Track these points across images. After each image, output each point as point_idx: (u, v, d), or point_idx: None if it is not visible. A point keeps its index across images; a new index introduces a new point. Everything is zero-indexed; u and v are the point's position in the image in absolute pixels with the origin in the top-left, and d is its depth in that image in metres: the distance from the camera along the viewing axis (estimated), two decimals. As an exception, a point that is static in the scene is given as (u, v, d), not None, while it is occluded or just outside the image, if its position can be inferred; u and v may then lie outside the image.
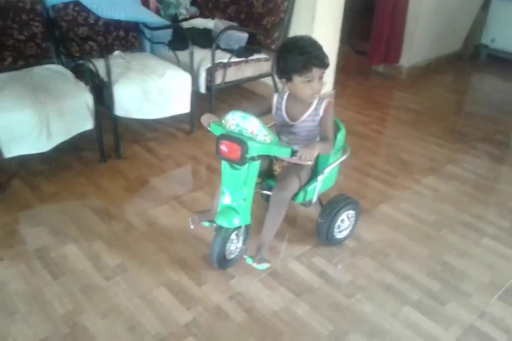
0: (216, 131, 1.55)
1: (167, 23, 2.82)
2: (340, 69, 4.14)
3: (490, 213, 2.24)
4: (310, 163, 1.74)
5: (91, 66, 2.27)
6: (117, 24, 2.68)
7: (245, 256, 1.73)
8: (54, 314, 1.57)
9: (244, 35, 2.77)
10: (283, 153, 1.53)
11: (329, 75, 3.29)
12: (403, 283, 1.78)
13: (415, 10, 3.75)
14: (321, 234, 1.86)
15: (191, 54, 2.51)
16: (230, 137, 1.49)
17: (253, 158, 1.51)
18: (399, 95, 3.77)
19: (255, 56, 2.89)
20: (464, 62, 4.52)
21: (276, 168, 1.82)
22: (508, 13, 4.28)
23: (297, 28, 2.97)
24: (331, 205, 1.82)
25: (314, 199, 1.77)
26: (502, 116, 3.39)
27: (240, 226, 1.70)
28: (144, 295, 1.66)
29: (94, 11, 2.45)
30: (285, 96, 1.72)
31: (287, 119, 1.71)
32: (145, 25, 2.78)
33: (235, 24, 2.95)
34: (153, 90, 2.39)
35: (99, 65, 2.26)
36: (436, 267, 1.87)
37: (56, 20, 2.48)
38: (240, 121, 1.49)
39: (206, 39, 2.76)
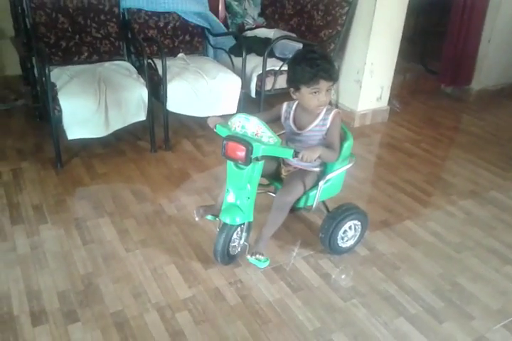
0: (222, 132, 1.66)
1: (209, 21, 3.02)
2: (406, 87, 4.13)
3: (522, 243, 2.13)
4: (316, 169, 1.82)
5: (152, 65, 2.53)
6: (185, 29, 2.95)
7: (247, 256, 1.78)
8: (76, 273, 1.79)
9: (299, 46, 2.89)
10: (286, 153, 1.60)
11: (385, 91, 3.30)
12: (405, 296, 1.77)
13: (488, 32, 3.64)
14: (324, 242, 1.89)
15: (244, 60, 2.69)
16: (236, 138, 1.57)
17: (257, 159, 1.60)
18: (461, 117, 3.66)
19: (309, 66, 3.00)
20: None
21: (283, 172, 1.88)
22: None
23: (354, 41, 3.05)
24: (334, 215, 1.85)
25: (314, 205, 1.81)
26: None
27: (243, 224, 1.78)
28: (155, 269, 1.83)
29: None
30: (294, 106, 1.79)
31: (294, 128, 1.78)
32: (209, 31, 3.01)
33: (293, 35, 3.09)
34: (204, 90, 2.60)
35: (160, 64, 2.51)
36: (445, 286, 1.84)
37: (130, 22, 2.80)
38: (245, 123, 1.59)
39: (264, 47, 2.90)
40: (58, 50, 2.63)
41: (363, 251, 2.01)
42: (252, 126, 1.59)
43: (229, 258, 1.84)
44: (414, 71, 4.55)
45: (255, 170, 1.64)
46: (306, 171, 1.81)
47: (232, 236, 1.77)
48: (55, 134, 2.39)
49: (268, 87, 2.84)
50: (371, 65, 3.06)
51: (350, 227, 1.91)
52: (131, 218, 2.13)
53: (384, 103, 3.35)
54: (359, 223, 1.93)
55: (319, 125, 1.74)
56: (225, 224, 1.74)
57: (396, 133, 3.25)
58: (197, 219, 1.92)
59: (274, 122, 1.79)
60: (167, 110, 2.59)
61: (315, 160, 1.62)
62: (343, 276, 1.87)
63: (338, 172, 1.82)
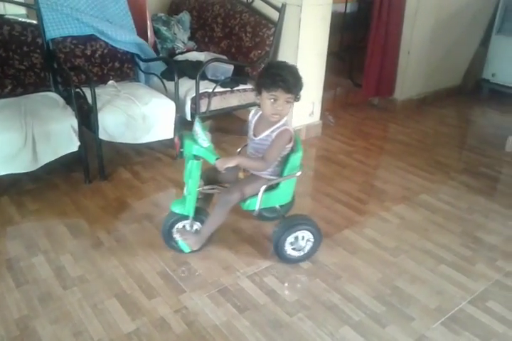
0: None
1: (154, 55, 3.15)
2: (337, 101, 4.31)
3: (453, 242, 2.26)
4: (268, 176, 1.94)
5: (81, 94, 2.49)
6: (113, 56, 2.93)
7: (177, 236, 1.99)
8: (9, 317, 1.69)
9: (230, 67, 2.96)
10: (209, 158, 1.76)
11: (316, 107, 3.42)
12: (348, 304, 1.82)
13: (407, 44, 3.89)
14: (276, 237, 1.96)
15: (177, 83, 2.71)
16: (179, 135, 1.90)
17: (197, 158, 1.78)
18: (389, 127, 3.85)
19: (241, 86, 3.07)
20: (464, 97, 4.56)
21: (241, 176, 1.98)
22: (507, 49, 4.34)
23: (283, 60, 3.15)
24: (287, 220, 1.99)
25: (256, 208, 1.91)
26: (490, 149, 3.40)
27: (187, 218, 1.96)
28: (95, 305, 1.76)
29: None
30: (259, 113, 1.91)
31: (251, 133, 1.92)
32: (139, 57, 3.02)
33: (223, 57, 3.16)
34: (137, 116, 2.58)
35: (88, 92, 2.47)
36: (385, 291, 1.91)
37: (55, 52, 2.75)
38: (195, 127, 1.81)
39: (196, 70, 2.94)
40: (-22, 85, 2.53)
41: (305, 264, 2.05)
42: (196, 128, 1.81)
43: (173, 242, 2.04)
44: (344, 85, 4.76)
45: (193, 167, 1.80)
46: (257, 177, 1.92)
47: (173, 222, 1.99)
48: (-20, 173, 2.28)
49: (203, 109, 2.87)
50: (300, 83, 3.17)
51: (303, 237, 1.98)
52: (67, 254, 2.05)
53: (316, 118, 3.47)
54: (312, 239, 2.00)
55: (267, 135, 1.85)
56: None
57: (330, 146, 3.37)
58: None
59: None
60: (100, 139, 2.54)
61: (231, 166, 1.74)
62: (287, 291, 1.89)
63: (281, 179, 1.93)
